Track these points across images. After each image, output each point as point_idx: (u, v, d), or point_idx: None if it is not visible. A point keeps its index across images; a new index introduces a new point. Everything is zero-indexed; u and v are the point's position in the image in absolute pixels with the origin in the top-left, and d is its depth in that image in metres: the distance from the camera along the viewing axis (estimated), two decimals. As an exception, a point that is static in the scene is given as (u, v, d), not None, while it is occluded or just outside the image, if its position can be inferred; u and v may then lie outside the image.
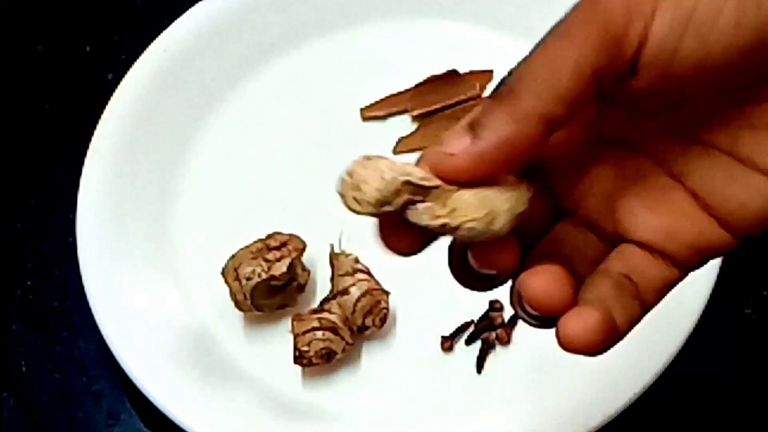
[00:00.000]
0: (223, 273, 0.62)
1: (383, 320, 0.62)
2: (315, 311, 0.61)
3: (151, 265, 0.65)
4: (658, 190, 0.36)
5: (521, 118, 0.33)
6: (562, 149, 0.37)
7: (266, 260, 0.61)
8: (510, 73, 0.34)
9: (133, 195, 0.67)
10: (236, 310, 0.62)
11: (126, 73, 0.69)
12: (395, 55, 0.72)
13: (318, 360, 0.60)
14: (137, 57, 0.70)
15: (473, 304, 0.62)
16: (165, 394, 0.60)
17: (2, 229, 0.70)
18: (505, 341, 0.62)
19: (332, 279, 0.63)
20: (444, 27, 0.72)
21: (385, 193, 0.35)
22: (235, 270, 0.61)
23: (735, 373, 0.62)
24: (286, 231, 0.63)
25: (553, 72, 0.32)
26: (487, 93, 0.69)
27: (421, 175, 0.35)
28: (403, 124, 0.69)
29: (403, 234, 0.36)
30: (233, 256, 0.62)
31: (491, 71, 0.70)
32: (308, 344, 0.60)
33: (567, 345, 0.34)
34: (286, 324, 0.62)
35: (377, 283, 0.62)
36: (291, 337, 0.61)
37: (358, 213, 0.36)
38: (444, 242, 0.37)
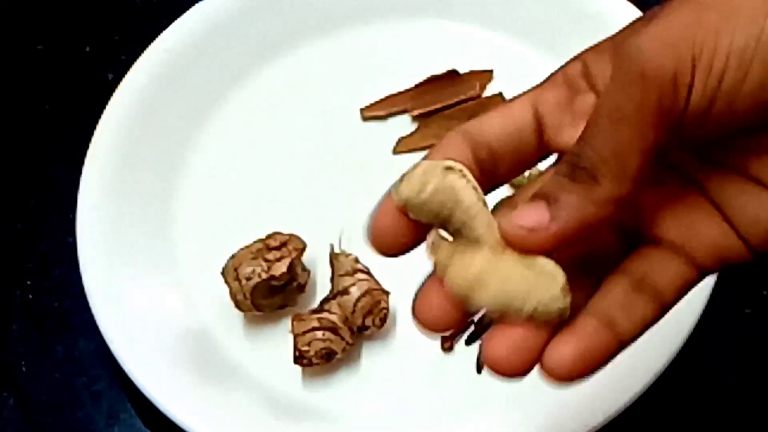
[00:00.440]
0: (223, 273, 0.62)
1: (383, 320, 0.62)
2: (315, 311, 0.61)
3: (151, 264, 0.65)
4: (680, 195, 0.38)
5: (602, 203, 0.35)
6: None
7: (266, 260, 0.61)
8: (580, 154, 0.35)
9: (134, 195, 0.67)
10: (236, 310, 0.62)
11: (126, 73, 0.70)
12: (395, 55, 0.72)
13: (318, 360, 0.60)
14: (137, 57, 0.70)
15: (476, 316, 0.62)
16: (165, 394, 0.60)
17: (2, 229, 0.70)
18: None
19: (332, 279, 0.63)
20: (444, 27, 0.72)
21: (413, 201, 0.36)
22: (235, 270, 0.61)
23: (735, 372, 0.62)
24: (286, 231, 0.63)
25: (622, 158, 0.34)
26: (486, 93, 0.70)
27: (464, 216, 0.36)
28: (404, 124, 0.70)
29: (398, 228, 0.37)
30: (233, 256, 0.62)
31: (491, 71, 0.70)
32: (308, 344, 0.60)
33: (547, 374, 0.36)
34: (286, 324, 0.62)
35: (377, 283, 0.62)
36: (291, 337, 0.61)
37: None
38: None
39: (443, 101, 0.69)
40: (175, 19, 0.71)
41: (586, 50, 0.39)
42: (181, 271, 0.66)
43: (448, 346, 0.62)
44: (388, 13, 0.72)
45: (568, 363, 0.36)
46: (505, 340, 0.36)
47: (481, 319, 0.62)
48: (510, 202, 0.38)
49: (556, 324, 0.36)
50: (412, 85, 0.70)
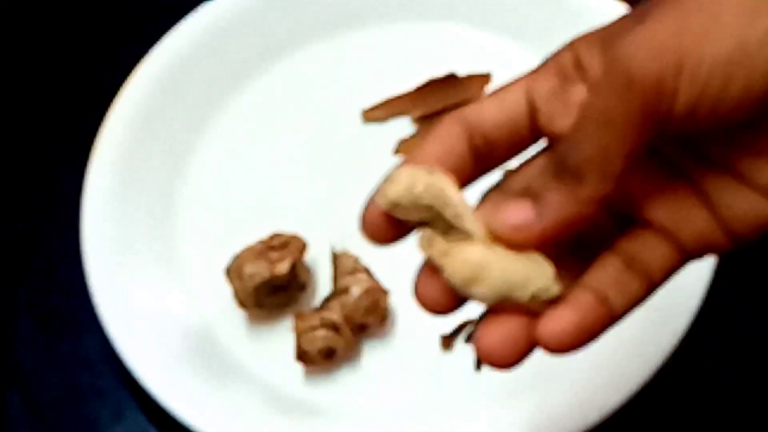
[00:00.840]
0: (227, 272, 0.62)
1: (383, 319, 0.62)
2: (317, 310, 0.62)
3: (155, 264, 0.66)
4: (671, 184, 0.38)
5: (586, 202, 0.36)
6: None
7: (269, 260, 0.61)
8: (565, 153, 0.36)
9: (138, 196, 0.67)
10: (239, 309, 0.63)
11: (128, 74, 0.70)
12: (396, 58, 0.72)
13: (319, 358, 0.61)
14: (139, 59, 0.70)
15: (473, 302, 0.62)
16: (169, 391, 0.60)
17: (7, 230, 0.70)
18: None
19: (333, 278, 0.63)
20: (443, 30, 0.72)
21: (402, 202, 0.37)
22: (238, 269, 0.62)
23: (734, 372, 0.62)
24: (288, 231, 0.63)
25: (607, 158, 0.35)
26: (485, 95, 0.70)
27: (453, 213, 0.37)
28: (404, 127, 0.70)
29: (387, 222, 0.38)
30: (236, 256, 0.62)
31: (489, 74, 0.70)
32: (310, 342, 0.60)
33: (544, 345, 0.37)
34: (288, 323, 0.62)
35: (377, 282, 0.62)
36: (293, 335, 0.61)
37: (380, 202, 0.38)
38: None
39: (443, 103, 0.69)
40: (178, 21, 0.71)
41: (578, 39, 0.39)
42: (185, 270, 0.66)
43: (447, 344, 0.62)
44: (389, 16, 0.72)
45: (563, 334, 0.37)
46: (498, 331, 0.37)
47: (480, 317, 0.63)
48: (496, 195, 0.39)
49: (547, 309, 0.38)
50: (413, 87, 0.70)
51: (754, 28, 0.34)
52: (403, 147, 0.69)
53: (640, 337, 0.58)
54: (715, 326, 0.61)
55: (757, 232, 0.38)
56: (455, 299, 0.38)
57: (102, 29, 0.77)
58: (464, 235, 0.37)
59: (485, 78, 0.70)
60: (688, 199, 0.38)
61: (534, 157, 0.40)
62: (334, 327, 0.61)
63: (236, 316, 0.64)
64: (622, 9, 0.66)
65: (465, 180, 0.39)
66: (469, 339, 0.62)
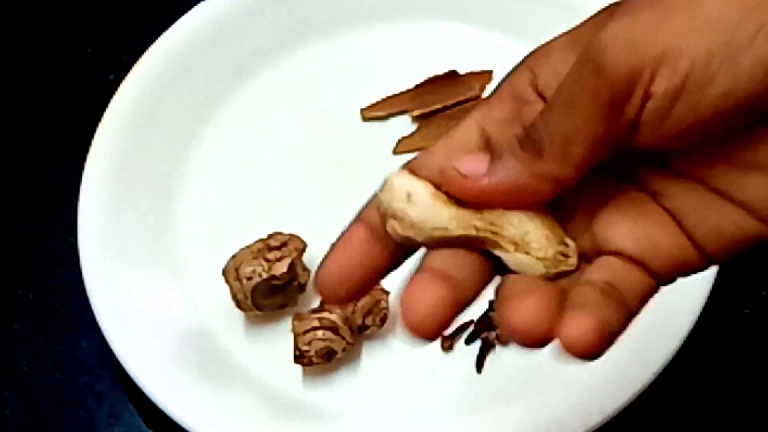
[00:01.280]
0: (224, 273, 0.62)
1: (383, 320, 0.62)
2: (315, 311, 0.62)
3: (152, 264, 0.65)
4: (638, 206, 0.37)
5: (537, 175, 0.36)
6: None
7: (267, 260, 0.61)
8: (533, 125, 0.36)
9: (135, 195, 0.67)
10: (237, 310, 0.63)
11: (127, 73, 0.70)
12: (395, 56, 0.72)
13: (318, 359, 0.61)
14: (138, 58, 0.70)
15: (473, 303, 0.62)
16: (166, 393, 0.60)
17: (4, 230, 0.70)
18: (505, 341, 0.62)
19: (333, 279, 0.63)
20: (444, 28, 0.72)
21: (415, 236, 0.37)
22: (236, 270, 0.61)
23: (734, 372, 0.62)
24: (286, 231, 0.63)
25: (568, 142, 0.35)
26: (486, 93, 0.70)
27: (461, 232, 0.37)
28: (404, 125, 0.70)
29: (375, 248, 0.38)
30: (234, 256, 0.62)
31: (490, 72, 0.70)
32: (309, 344, 0.60)
33: (570, 350, 0.35)
34: (287, 323, 0.62)
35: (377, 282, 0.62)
36: (291, 336, 0.61)
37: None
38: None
39: (443, 102, 0.69)
40: (176, 20, 0.71)
41: (531, 55, 0.38)
42: (182, 270, 0.66)
43: (448, 345, 0.62)
44: (389, 14, 0.72)
45: (588, 334, 0.34)
46: (525, 307, 0.35)
47: (480, 318, 0.62)
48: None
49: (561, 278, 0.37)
50: (413, 85, 0.70)
51: (743, 26, 0.33)
52: (403, 145, 0.69)
53: (642, 340, 0.58)
54: (714, 326, 0.60)
55: (735, 249, 0.37)
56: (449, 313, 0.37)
57: (102, 29, 0.77)
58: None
59: (486, 76, 0.70)
60: (654, 220, 0.37)
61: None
62: (333, 328, 0.60)
63: (234, 316, 0.64)
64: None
65: None
66: (469, 341, 0.62)
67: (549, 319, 0.35)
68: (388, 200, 0.37)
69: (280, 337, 0.62)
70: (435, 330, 0.36)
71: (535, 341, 0.35)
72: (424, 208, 0.37)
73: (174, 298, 0.65)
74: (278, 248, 0.62)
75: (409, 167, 0.38)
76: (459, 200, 0.37)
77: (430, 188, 0.37)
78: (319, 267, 0.38)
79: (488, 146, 0.37)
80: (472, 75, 0.70)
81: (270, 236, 0.63)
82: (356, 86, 0.71)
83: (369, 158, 0.68)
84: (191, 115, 0.70)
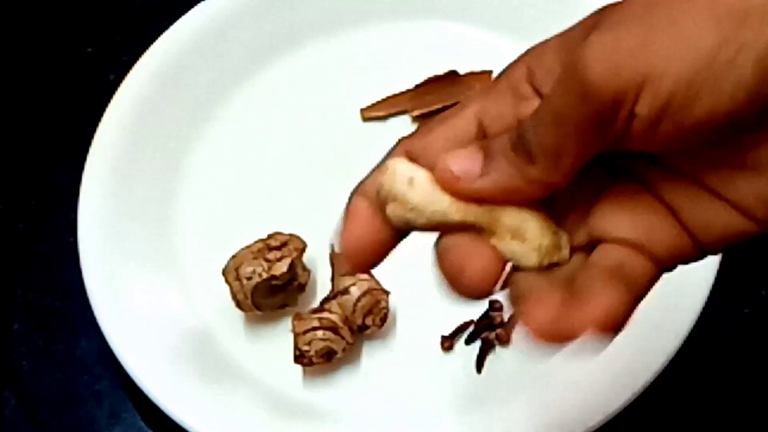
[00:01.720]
0: (224, 273, 0.62)
1: (383, 320, 0.62)
2: (315, 311, 0.62)
3: (152, 264, 0.65)
4: (633, 197, 0.38)
5: (528, 180, 0.36)
6: None
7: (267, 260, 0.61)
8: (525, 131, 0.36)
9: (134, 195, 0.67)
10: (237, 310, 0.62)
11: (127, 74, 0.69)
12: (395, 56, 0.72)
13: (318, 359, 0.60)
14: (138, 58, 0.70)
15: (473, 303, 0.62)
16: (166, 393, 0.60)
17: (4, 230, 0.70)
18: (505, 341, 0.62)
19: (332, 279, 0.63)
20: (444, 28, 0.72)
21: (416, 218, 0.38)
22: (236, 270, 0.61)
23: (734, 372, 0.62)
24: (286, 231, 0.63)
25: (557, 153, 0.35)
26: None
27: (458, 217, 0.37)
28: (404, 125, 0.69)
29: (374, 230, 0.39)
30: (234, 256, 0.62)
31: (490, 72, 0.70)
32: (309, 344, 0.60)
33: (598, 329, 0.36)
34: (287, 323, 0.62)
35: (377, 282, 0.62)
36: (291, 336, 0.61)
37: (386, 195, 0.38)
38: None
39: (443, 102, 0.69)
40: (176, 20, 0.71)
41: (529, 51, 0.39)
42: (182, 270, 0.66)
43: (448, 345, 0.62)
44: (389, 13, 0.72)
45: (605, 317, 0.36)
46: (544, 311, 0.36)
47: (481, 318, 0.62)
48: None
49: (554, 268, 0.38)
50: (412, 85, 0.70)
51: (725, 47, 0.33)
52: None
53: (642, 340, 0.58)
54: (713, 326, 0.60)
55: (725, 243, 0.37)
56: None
57: (102, 29, 0.76)
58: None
59: (486, 76, 0.70)
60: (653, 211, 0.38)
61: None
62: (333, 328, 0.60)
63: (234, 316, 0.64)
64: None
65: None
66: (469, 341, 0.62)
67: (568, 321, 0.36)
68: (390, 183, 0.38)
69: (280, 337, 0.62)
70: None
71: (558, 343, 0.36)
72: (425, 192, 0.37)
73: (174, 298, 0.65)
74: (278, 248, 0.62)
75: (406, 151, 0.39)
76: None
77: (430, 175, 0.37)
78: (337, 242, 0.39)
79: (482, 143, 0.37)
80: (471, 75, 0.70)
81: (270, 236, 0.63)
82: (356, 86, 0.71)
83: (369, 158, 0.68)
84: (191, 115, 0.70)
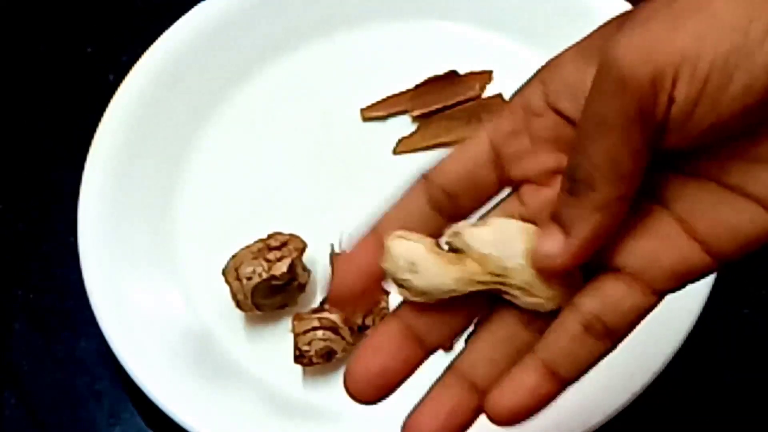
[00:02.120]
0: (224, 273, 0.62)
1: (383, 319, 0.61)
2: (315, 311, 0.62)
3: (152, 264, 0.65)
4: (641, 216, 0.38)
5: (604, 206, 0.36)
6: (537, 175, 0.39)
7: (267, 260, 0.61)
8: (573, 170, 0.36)
9: (135, 195, 0.67)
10: (237, 310, 0.62)
11: (127, 74, 0.69)
12: (395, 56, 0.72)
13: (318, 359, 0.60)
14: (138, 58, 0.70)
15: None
16: (166, 393, 0.60)
17: (4, 229, 0.70)
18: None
19: (332, 279, 0.63)
20: (444, 28, 0.72)
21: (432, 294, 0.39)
22: (236, 270, 0.61)
23: (734, 372, 0.62)
24: (286, 231, 0.63)
25: (614, 162, 0.35)
26: (486, 93, 0.70)
27: (483, 278, 0.38)
28: (404, 125, 0.69)
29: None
30: (234, 256, 0.62)
31: (491, 72, 0.70)
32: (309, 344, 0.60)
33: (495, 421, 0.38)
34: (287, 323, 0.62)
35: (377, 282, 0.62)
36: (291, 336, 0.61)
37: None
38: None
39: (443, 102, 0.69)
40: (176, 20, 0.71)
41: (543, 67, 0.39)
42: (182, 270, 0.66)
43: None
44: (389, 13, 0.72)
45: (509, 410, 0.38)
46: (518, 392, 0.38)
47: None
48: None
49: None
50: (412, 85, 0.70)
51: (753, 25, 0.33)
52: (403, 145, 0.68)
53: (642, 340, 0.58)
54: (713, 326, 0.60)
55: (749, 245, 0.37)
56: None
57: (102, 29, 0.76)
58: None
59: (486, 76, 0.70)
60: (658, 226, 0.38)
61: None
62: (333, 328, 0.60)
63: (234, 317, 0.64)
64: (625, 7, 0.66)
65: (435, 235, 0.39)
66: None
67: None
68: (392, 270, 0.38)
69: (280, 337, 0.62)
70: None
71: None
72: (429, 275, 0.38)
73: (174, 298, 0.64)
74: (278, 248, 0.62)
75: (425, 176, 0.39)
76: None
77: (430, 246, 0.38)
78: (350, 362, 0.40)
79: (547, 217, 0.37)
80: (472, 75, 0.70)
81: (270, 236, 0.63)
82: (356, 86, 0.71)
83: (369, 158, 0.68)
84: (191, 115, 0.70)
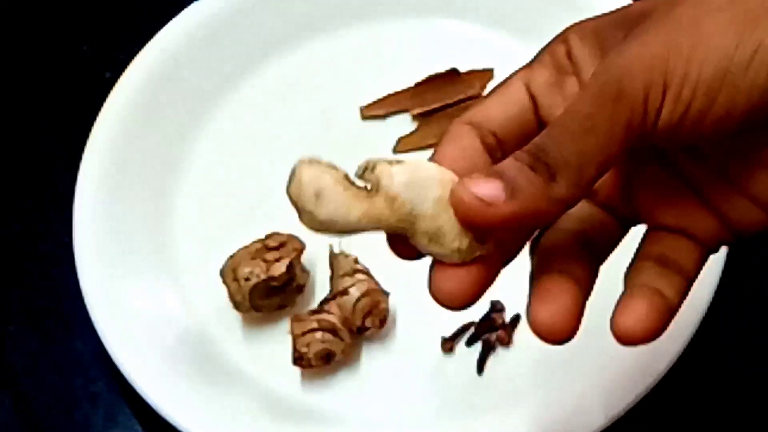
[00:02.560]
0: (222, 274, 0.62)
1: (383, 321, 0.61)
2: (314, 312, 0.61)
3: (148, 265, 0.65)
4: (669, 185, 0.40)
5: (555, 201, 0.36)
6: None
7: (265, 261, 0.61)
8: (541, 150, 0.36)
9: (131, 195, 0.67)
10: (235, 311, 0.62)
11: (123, 72, 0.69)
12: (395, 54, 0.71)
13: (317, 361, 0.60)
14: (135, 56, 0.70)
15: (474, 305, 0.62)
16: (163, 395, 0.60)
17: (0, 229, 0.70)
18: (506, 342, 0.61)
19: (331, 279, 0.63)
20: (444, 26, 0.72)
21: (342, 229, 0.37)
22: (234, 271, 0.61)
23: (739, 373, 0.61)
24: (284, 231, 0.63)
25: (583, 164, 0.36)
26: (487, 92, 0.69)
27: (397, 220, 0.37)
28: (403, 123, 0.69)
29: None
30: (232, 257, 0.62)
31: (491, 70, 0.70)
32: (307, 345, 0.60)
33: (625, 341, 0.37)
34: (285, 325, 0.61)
35: (377, 283, 0.61)
36: (290, 338, 0.60)
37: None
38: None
39: (443, 100, 0.69)
40: (173, 17, 0.71)
41: (570, 30, 0.40)
42: (179, 271, 0.65)
43: (448, 347, 0.62)
44: (388, 11, 0.72)
45: (640, 324, 0.37)
46: (550, 307, 0.38)
47: (482, 320, 0.62)
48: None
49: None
50: (412, 84, 0.70)
51: (740, 50, 0.34)
52: (403, 144, 0.68)
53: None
54: (718, 327, 0.60)
55: (753, 232, 0.39)
56: (475, 289, 0.38)
57: (99, 27, 0.76)
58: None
59: (487, 74, 0.70)
60: (688, 198, 0.39)
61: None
62: (332, 330, 0.60)
63: (232, 318, 0.64)
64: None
65: None
66: (470, 342, 0.62)
67: (570, 322, 0.38)
68: (297, 196, 0.37)
69: (278, 339, 0.62)
70: None
71: (557, 341, 0.37)
72: (333, 207, 0.37)
73: (171, 299, 0.64)
74: (276, 249, 0.62)
75: (467, 123, 0.39)
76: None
77: (340, 178, 0.37)
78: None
79: (492, 169, 0.37)
80: (472, 73, 0.70)
81: (268, 236, 0.62)
82: (356, 85, 0.70)
83: (368, 157, 0.68)
84: (188, 113, 0.70)
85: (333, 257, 0.63)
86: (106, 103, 0.68)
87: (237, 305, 0.62)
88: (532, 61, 0.41)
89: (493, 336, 0.62)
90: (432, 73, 0.70)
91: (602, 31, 0.39)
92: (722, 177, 0.38)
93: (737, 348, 0.62)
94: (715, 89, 0.35)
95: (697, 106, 0.35)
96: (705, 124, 0.35)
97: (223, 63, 0.71)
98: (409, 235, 0.37)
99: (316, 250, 0.64)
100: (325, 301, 0.62)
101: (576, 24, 0.40)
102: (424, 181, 0.37)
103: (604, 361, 0.59)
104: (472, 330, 0.62)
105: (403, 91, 0.70)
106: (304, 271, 0.63)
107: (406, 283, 0.62)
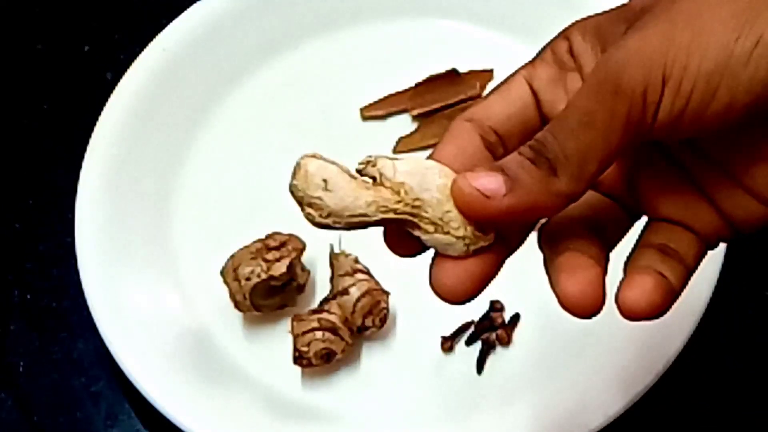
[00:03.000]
0: (223, 273, 0.62)
1: (383, 320, 0.61)
2: (314, 312, 0.61)
3: (149, 265, 0.65)
4: (673, 181, 0.39)
5: (554, 195, 0.36)
6: None
7: (265, 260, 0.61)
8: (543, 145, 0.36)
9: (132, 195, 0.67)
10: (235, 311, 0.62)
11: (125, 72, 0.69)
12: (395, 55, 0.71)
13: (318, 361, 0.60)
14: (136, 56, 0.70)
15: (474, 304, 0.62)
16: (164, 394, 0.60)
17: (1, 230, 0.70)
18: (506, 342, 0.62)
19: (332, 279, 0.63)
20: (444, 26, 0.72)
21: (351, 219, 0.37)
22: (235, 270, 0.61)
23: (737, 373, 0.62)
24: (285, 231, 0.63)
25: (584, 159, 0.36)
26: (487, 92, 0.69)
27: (405, 207, 0.37)
28: (403, 124, 0.69)
29: (404, 237, 0.38)
30: (232, 257, 0.62)
31: (491, 70, 0.70)
32: (308, 345, 0.60)
33: (629, 314, 0.37)
34: (286, 324, 0.61)
35: (377, 283, 0.61)
36: (290, 337, 0.60)
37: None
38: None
39: (443, 101, 0.69)
40: (174, 18, 0.71)
41: (571, 26, 0.40)
42: (180, 271, 0.65)
43: (448, 346, 0.62)
44: (388, 12, 0.72)
45: (644, 297, 0.37)
46: (577, 280, 0.37)
47: (481, 319, 0.62)
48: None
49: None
50: (412, 84, 0.70)
51: (740, 43, 0.34)
52: (403, 145, 0.68)
53: (644, 342, 0.58)
54: (717, 327, 0.60)
55: (750, 229, 0.39)
56: (477, 283, 0.38)
57: (100, 27, 0.76)
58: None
59: (487, 74, 0.70)
60: (690, 193, 0.39)
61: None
62: (332, 329, 0.60)
63: (233, 317, 0.64)
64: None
65: None
66: (469, 342, 0.62)
67: (599, 293, 0.37)
68: (303, 188, 0.37)
69: (278, 338, 0.62)
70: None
71: (588, 314, 0.37)
72: (342, 194, 0.37)
73: (172, 299, 0.64)
74: (277, 248, 0.62)
75: (469, 119, 0.39)
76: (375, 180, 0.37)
77: (345, 169, 0.37)
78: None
79: (495, 164, 0.37)
80: (472, 73, 0.70)
81: (269, 236, 0.62)
82: (355, 85, 0.70)
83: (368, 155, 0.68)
84: (189, 113, 0.70)
85: (333, 257, 0.63)
86: (108, 103, 0.68)
87: (238, 305, 0.62)
88: (534, 59, 0.41)
89: (493, 335, 0.62)
90: (432, 73, 0.70)
91: (604, 27, 0.39)
92: (723, 171, 0.38)
93: (736, 347, 0.62)
94: (714, 82, 0.34)
95: (697, 100, 0.35)
96: (705, 118, 0.35)
97: (224, 64, 0.71)
98: (416, 223, 0.37)
99: (317, 250, 0.64)
100: (326, 300, 0.62)
101: (578, 21, 0.40)
102: (426, 170, 0.37)
103: (603, 361, 0.59)
104: (471, 329, 0.62)
105: (403, 91, 0.70)
106: (305, 270, 0.63)
107: (406, 283, 0.62)
